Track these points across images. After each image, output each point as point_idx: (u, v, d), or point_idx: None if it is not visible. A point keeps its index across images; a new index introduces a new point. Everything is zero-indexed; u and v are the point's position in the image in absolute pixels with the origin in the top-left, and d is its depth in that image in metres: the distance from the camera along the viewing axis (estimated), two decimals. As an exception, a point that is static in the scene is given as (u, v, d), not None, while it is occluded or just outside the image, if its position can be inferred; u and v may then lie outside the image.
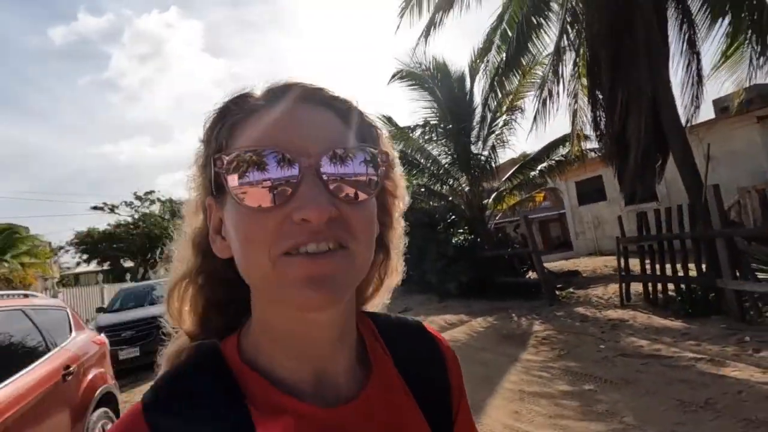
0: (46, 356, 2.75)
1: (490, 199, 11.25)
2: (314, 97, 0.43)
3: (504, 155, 11.26)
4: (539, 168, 10.61)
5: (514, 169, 11.06)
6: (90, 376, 3.09)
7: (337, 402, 0.44)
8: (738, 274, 4.80)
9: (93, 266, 24.10)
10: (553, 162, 10.45)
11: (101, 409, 3.13)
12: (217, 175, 0.41)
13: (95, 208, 24.04)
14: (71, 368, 2.85)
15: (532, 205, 14.02)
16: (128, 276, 17.54)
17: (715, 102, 15.53)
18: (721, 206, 5.09)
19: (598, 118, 7.45)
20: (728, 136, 10.90)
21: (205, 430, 0.38)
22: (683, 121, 7.57)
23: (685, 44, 7.30)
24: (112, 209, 24.07)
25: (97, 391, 3.09)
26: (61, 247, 22.68)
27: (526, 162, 10.99)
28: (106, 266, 22.93)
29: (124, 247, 21.26)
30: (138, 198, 24.80)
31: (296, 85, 0.43)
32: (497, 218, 14.28)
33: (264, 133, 0.40)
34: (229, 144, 0.42)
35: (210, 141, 0.44)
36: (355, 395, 0.45)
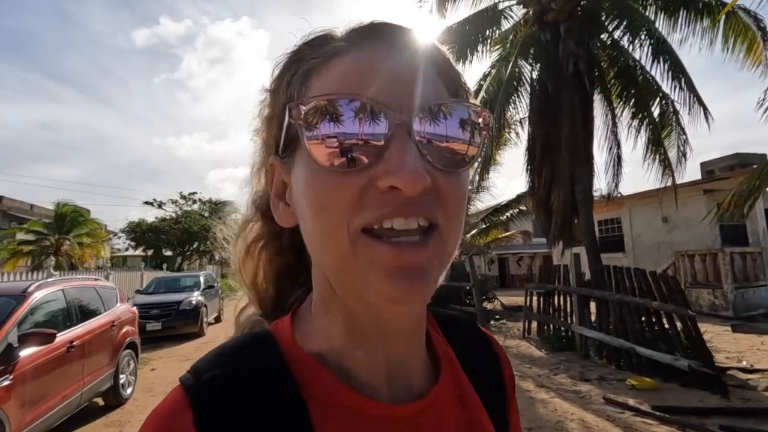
0: (103, 314, 4.99)
1: (468, 236, 13.03)
2: (404, 41, 0.36)
3: (484, 198, 13.06)
4: (507, 213, 12.34)
5: (488, 212, 12.84)
6: (123, 330, 5.31)
7: (409, 398, 0.39)
8: (580, 321, 6.46)
9: (139, 252, 27.63)
10: (519, 209, 12.17)
11: (128, 350, 5.36)
12: (289, 127, 0.35)
13: (147, 203, 27.96)
14: (115, 323, 5.08)
15: (507, 241, 15.58)
16: (165, 266, 20.45)
17: (703, 164, 16.53)
18: (579, 269, 6.76)
19: (534, 186, 9.15)
20: (683, 203, 12.13)
21: (254, 423, 0.33)
22: (607, 193, 9.20)
23: (609, 132, 8.94)
24: (160, 205, 27.82)
25: (127, 339, 5.32)
26: (114, 233, 26.36)
27: (499, 207, 12.75)
28: (149, 253, 26.29)
29: (166, 239, 24.52)
30: (183, 197, 28.41)
31: (384, 26, 0.37)
32: (492, 251, 15.93)
33: (347, 80, 0.34)
34: (302, 93, 0.36)
35: (279, 90, 0.39)
36: (427, 391, 0.40)
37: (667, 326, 5.40)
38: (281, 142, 0.38)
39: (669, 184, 8.28)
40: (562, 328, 7.00)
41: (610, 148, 8.99)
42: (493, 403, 0.46)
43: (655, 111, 8.71)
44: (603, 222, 15.10)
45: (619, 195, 10.62)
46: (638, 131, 8.36)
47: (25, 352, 3.49)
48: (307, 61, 0.37)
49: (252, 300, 0.48)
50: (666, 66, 7.66)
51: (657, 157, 8.24)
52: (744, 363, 5.71)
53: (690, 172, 12.17)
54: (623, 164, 8.94)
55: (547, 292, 7.58)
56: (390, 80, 0.34)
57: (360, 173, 0.32)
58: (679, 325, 5.13)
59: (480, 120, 0.36)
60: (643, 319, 5.54)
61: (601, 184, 9.43)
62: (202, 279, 11.43)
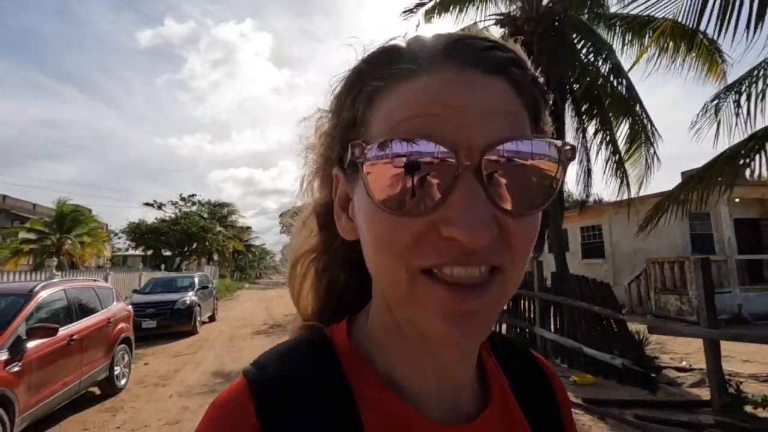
0: (100, 311, 5.55)
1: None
2: (486, 61, 0.33)
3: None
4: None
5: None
6: (119, 327, 5.87)
7: (457, 419, 0.38)
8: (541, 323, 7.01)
9: (139, 252, 28.24)
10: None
11: (122, 345, 5.91)
12: (352, 163, 0.34)
13: (146, 204, 28.66)
14: (111, 320, 5.64)
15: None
16: (163, 266, 21.06)
17: (683, 174, 17.04)
18: (541, 275, 7.31)
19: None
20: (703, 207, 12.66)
21: (310, 423, 0.34)
22: (580, 203, 9.76)
23: (579, 146, 9.49)
24: (160, 207, 28.52)
25: (122, 335, 5.87)
26: (115, 233, 27.02)
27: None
28: (149, 253, 26.90)
29: (165, 240, 25.15)
30: (182, 199, 29.13)
31: (457, 44, 0.33)
32: None
33: (413, 113, 0.31)
34: (365, 117, 0.34)
35: (341, 110, 0.37)
36: (475, 414, 0.39)
37: (615, 329, 5.97)
38: (346, 159, 0.36)
39: (626, 196, 8.84)
40: (527, 330, 7.53)
41: (581, 161, 9.56)
42: (548, 428, 0.44)
43: (625, 125, 9.30)
44: (585, 229, 15.65)
45: (589, 204, 11.18)
46: (599, 147, 8.93)
47: (32, 344, 4.05)
48: (369, 82, 0.35)
49: (299, 312, 0.48)
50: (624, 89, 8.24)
51: (617, 172, 8.80)
52: (684, 363, 6.25)
53: (675, 180, 12.83)
54: (600, 174, 9.51)
55: (516, 296, 8.11)
56: (460, 114, 0.30)
57: (422, 217, 0.30)
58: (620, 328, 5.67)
59: (559, 155, 0.32)
60: (584, 322, 6.07)
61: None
62: (196, 280, 11.99)
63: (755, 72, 5.29)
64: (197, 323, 10.62)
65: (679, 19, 4.76)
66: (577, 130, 9.46)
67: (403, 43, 0.36)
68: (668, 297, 10.82)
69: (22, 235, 18.08)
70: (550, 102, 0.38)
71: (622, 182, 8.82)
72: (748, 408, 4.25)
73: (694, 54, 8.26)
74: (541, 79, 0.37)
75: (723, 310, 10.17)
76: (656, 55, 7.27)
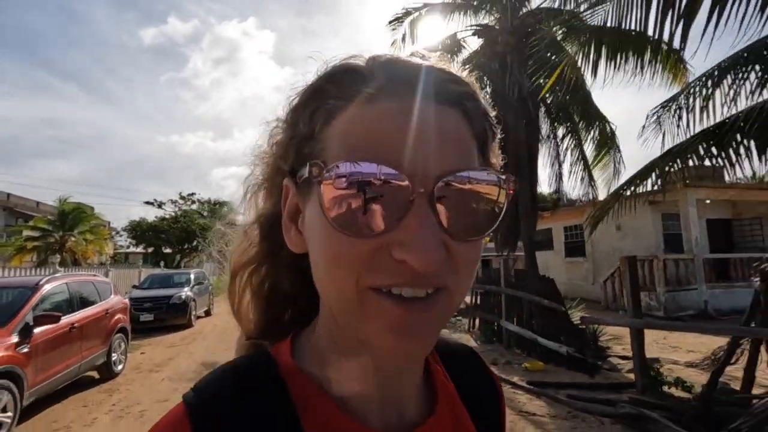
0: (99, 303, 6.15)
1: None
2: (443, 93, 0.35)
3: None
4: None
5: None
6: (116, 317, 6.47)
7: (401, 428, 0.39)
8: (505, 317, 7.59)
9: (140, 249, 28.99)
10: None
11: (119, 334, 6.52)
12: (307, 179, 0.35)
13: (147, 203, 29.44)
14: (108, 311, 6.24)
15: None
16: (162, 263, 21.70)
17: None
18: (507, 272, 7.87)
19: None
20: (632, 212, 13.19)
21: None
22: (551, 204, 10.32)
23: (552, 150, 10.05)
24: (160, 205, 29.30)
25: (118, 325, 6.48)
26: (117, 232, 27.76)
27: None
28: (150, 251, 27.61)
29: (165, 238, 25.87)
30: (182, 197, 29.84)
31: (422, 74, 0.35)
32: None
33: (371, 137, 0.33)
34: (323, 134, 0.35)
35: (297, 123, 0.38)
36: (422, 422, 0.40)
37: (578, 323, 6.54)
38: (298, 171, 0.36)
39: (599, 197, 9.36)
40: (495, 323, 8.11)
41: (552, 165, 10.14)
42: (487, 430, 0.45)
43: (595, 131, 9.85)
44: (569, 228, 16.18)
45: (564, 204, 11.73)
46: (565, 152, 9.50)
47: (38, 330, 4.64)
48: (328, 100, 0.36)
49: (240, 326, 0.47)
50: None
51: (584, 174, 9.36)
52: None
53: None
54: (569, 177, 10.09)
55: (485, 291, 8.69)
56: (416, 143, 0.32)
57: (376, 238, 0.31)
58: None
59: (503, 185, 0.35)
60: (539, 315, 6.65)
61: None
62: (192, 276, 12.61)
63: (692, 86, 5.81)
64: (192, 317, 11.23)
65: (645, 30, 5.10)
66: (548, 137, 10.02)
67: (364, 64, 0.37)
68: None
69: (26, 232, 18.70)
70: (499, 134, 0.40)
71: (589, 185, 9.37)
72: (665, 388, 4.82)
73: (659, 65, 8.83)
74: (492, 113, 0.39)
75: (689, 306, 10.73)
76: (617, 67, 7.84)
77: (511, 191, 0.36)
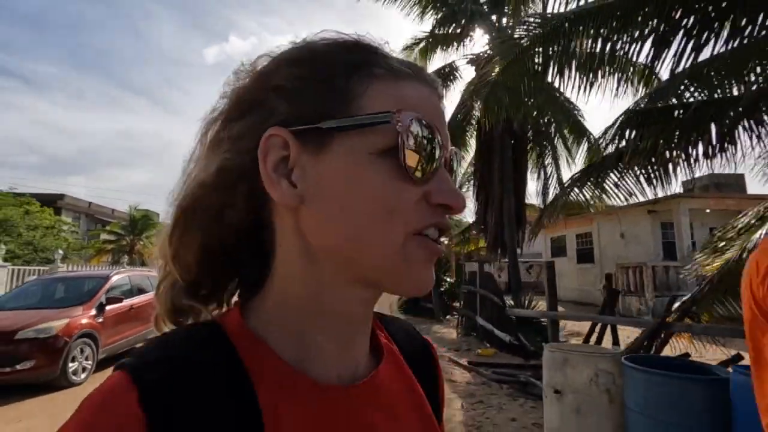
0: (151, 292, 8.12)
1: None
2: (436, 88, 0.42)
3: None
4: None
5: (464, 227, 15.13)
6: (164, 303, 8.49)
7: (354, 381, 0.42)
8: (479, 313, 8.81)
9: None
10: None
11: (166, 316, 8.54)
12: (370, 125, 0.36)
13: None
14: (158, 298, 8.26)
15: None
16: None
17: (684, 183, 17.59)
18: (482, 274, 9.08)
19: (477, 209, 11.43)
20: (634, 221, 13.72)
21: (203, 403, 0.33)
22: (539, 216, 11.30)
23: (540, 165, 11.06)
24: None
25: (166, 309, 8.50)
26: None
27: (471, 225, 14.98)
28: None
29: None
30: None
31: (425, 72, 0.42)
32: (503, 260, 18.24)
33: (418, 107, 0.38)
34: (367, 95, 0.37)
35: (334, 76, 0.38)
36: (371, 374, 0.43)
37: (545, 321, 7.70)
38: (313, 119, 0.36)
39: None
40: (473, 319, 9.34)
41: (538, 177, 11.16)
42: (432, 401, 0.49)
43: (585, 145, 10.78)
44: (579, 236, 16.77)
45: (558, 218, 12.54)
46: (545, 166, 10.51)
47: (109, 307, 6.62)
48: (373, 66, 0.38)
49: (175, 275, 0.42)
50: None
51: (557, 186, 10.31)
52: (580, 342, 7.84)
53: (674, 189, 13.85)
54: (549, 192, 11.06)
55: (469, 291, 9.93)
56: (441, 119, 0.40)
57: (420, 187, 0.37)
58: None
59: (455, 164, 0.44)
60: (496, 310, 7.85)
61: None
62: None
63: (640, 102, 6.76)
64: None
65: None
66: (539, 156, 11.07)
67: (390, 52, 0.42)
68: (631, 299, 11.98)
69: (103, 236, 22.07)
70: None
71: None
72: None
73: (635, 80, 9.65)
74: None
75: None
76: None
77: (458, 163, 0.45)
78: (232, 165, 0.39)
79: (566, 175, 11.34)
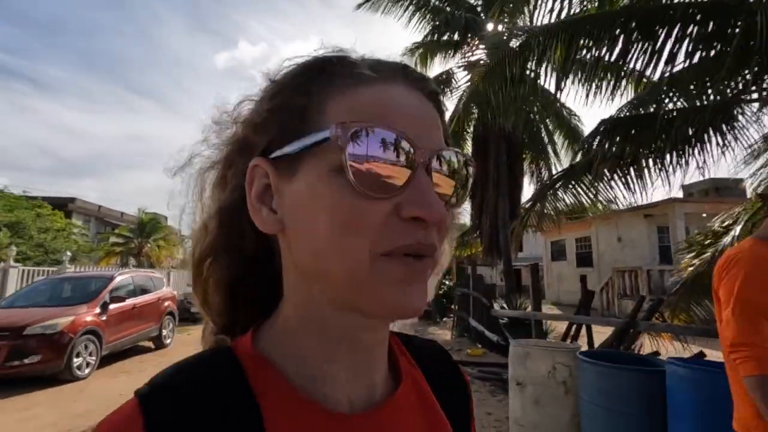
0: (153, 292, 8.49)
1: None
2: (423, 88, 0.40)
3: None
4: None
5: (463, 231, 15.31)
6: (166, 303, 8.78)
7: (369, 406, 0.40)
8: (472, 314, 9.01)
9: (203, 254, 33.01)
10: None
11: (168, 315, 8.84)
12: (293, 155, 0.36)
13: None
14: (160, 298, 8.57)
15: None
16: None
17: (684, 187, 17.63)
18: (475, 278, 9.29)
19: (472, 213, 11.63)
20: (631, 226, 13.82)
21: (205, 425, 0.34)
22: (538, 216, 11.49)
23: (535, 169, 11.26)
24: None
25: (168, 309, 8.80)
26: (185, 238, 31.69)
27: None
28: (210, 256, 31.41)
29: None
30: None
31: (407, 69, 0.40)
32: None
33: (379, 111, 0.36)
34: (324, 109, 0.37)
35: (290, 98, 0.38)
36: (385, 400, 0.41)
37: (531, 321, 7.90)
38: (280, 146, 0.37)
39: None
40: (467, 320, 9.54)
41: (535, 182, 11.34)
42: (456, 420, 0.46)
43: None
44: (579, 240, 16.86)
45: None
46: (540, 171, 10.70)
47: (112, 306, 6.94)
48: (330, 78, 0.38)
49: (207, 318, 0.46)
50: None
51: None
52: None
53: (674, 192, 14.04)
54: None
55: (463, 294, 10.13)
56: (416, 120, 0.36)
57: (388, 200, 0.34)
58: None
59: (471, 169, 0.40)
60: (485, 312, 8.05)
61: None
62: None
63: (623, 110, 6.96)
64: (232, 310, 13.64)
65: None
66: (530, 163, 11.27)
67: (357, 56, 0.40)
68: (627, 302, 12.07)
69: (112, 239, 22.55)
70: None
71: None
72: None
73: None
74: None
75: (674, 314, 11.31)
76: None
77: (473, 174, 0.41)
78: (230, 202, 0.42)
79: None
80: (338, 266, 0.35)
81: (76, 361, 6.05)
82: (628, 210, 13.82)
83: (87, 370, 6.23)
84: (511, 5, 10.24)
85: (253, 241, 0.42)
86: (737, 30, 3.02)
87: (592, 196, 5.35)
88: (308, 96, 0.38)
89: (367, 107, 0.36)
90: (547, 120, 10.73)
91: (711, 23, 3.37)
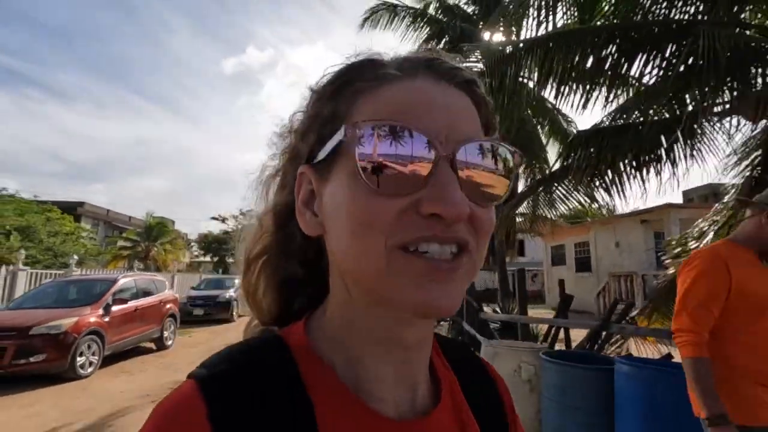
0: (155, 295, 8.79)
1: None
2: (453, 78, 0.39)
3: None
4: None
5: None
6: (167, 305, 9.07)
7: (412, 415, 0.40)
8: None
9: (208, 258, 33.43)
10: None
11: (170, 318, 9.12)
12: (336, 142, 0.36)
13: (213, 218, 33.95)
14: (162, 300, 8.86)
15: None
16: (220, 270, 25.21)
17: (684, 192, 17.65)
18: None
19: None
20: (628, 231, 13.91)
21: (264, 420, 0.34)
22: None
23: (529, 176, 11.43)
24: (224, 220, 33.56)
25: (169, 311, 9.08)
26: (191, 243, 32.33)
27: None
28: (215, 260, 31.79)
29: (227, 248, 29.72)
30: (242, 213, 33.81)
31: (434, 61, 0.40)
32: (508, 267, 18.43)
33: (399, 108, 0.36)
34: (349, 111, 0.38)
35: (323, 106, 0.40)
36: (428, 411, 0.41)
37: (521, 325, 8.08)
38: (318, 152, 0.39)
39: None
40: (461, 323, 9.71)
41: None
42: (493, 427, 0.46)
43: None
44: (578, 245, 16.94)
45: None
46: (536, 175, 10.85)
47: (115, 308, 7.23)
48: (356, 82, 0.38)
49: (254, 314, 0.48)
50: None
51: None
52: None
53: (676, 198, 14.12)
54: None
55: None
56: (438, 113, 0.35)
57: (405, 197, 0.34)
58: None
59: (512, 160, 0.38)
60: (476, 315, 8.24)
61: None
62: (236, 280, 15.36)
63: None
64: (235, 314, 13.92)
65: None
66: (525, 168, 11.45)
67: (380, 56, 0.41)
68: (621, 306, 12.14)
69: (120, 242, 22.97)
70: (497, 123, 0.43)
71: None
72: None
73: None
74: (491, 103, 0.43)
75: (669, 319, 11.38)
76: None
77: (518, 164, 0.39)
78: (283, 204, 0.45)
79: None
80: (362, 264, 0.35)
81: (80, 360, 6.33)
82: (625, 215, 13.94)
83: (90, 369, 6.51)
84: (502, 19, 10.48)
85: (303, 243, 0.44)
86: (686, 50, 3.22)
87: (570, 204, 5.54)
88: (337, 102, 0.39)
89: (387, 105, 0.36)
90: (539, 126, 10.89)
91: (670, 44, 3.58)
